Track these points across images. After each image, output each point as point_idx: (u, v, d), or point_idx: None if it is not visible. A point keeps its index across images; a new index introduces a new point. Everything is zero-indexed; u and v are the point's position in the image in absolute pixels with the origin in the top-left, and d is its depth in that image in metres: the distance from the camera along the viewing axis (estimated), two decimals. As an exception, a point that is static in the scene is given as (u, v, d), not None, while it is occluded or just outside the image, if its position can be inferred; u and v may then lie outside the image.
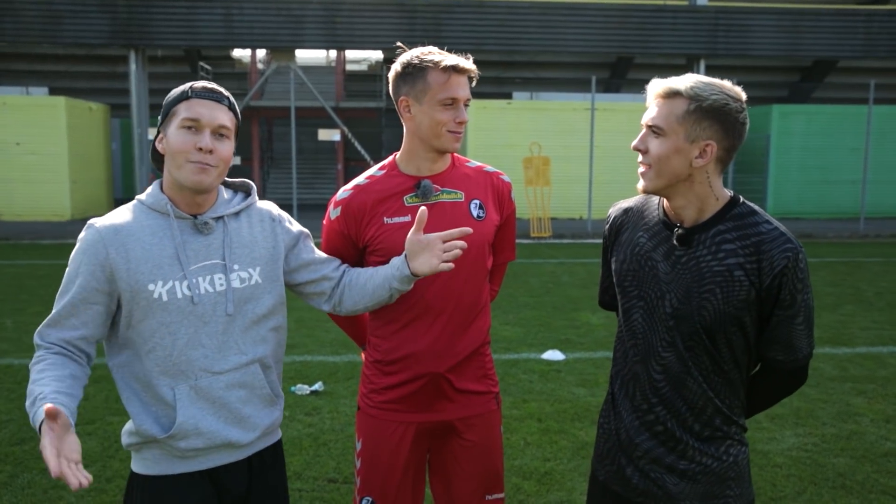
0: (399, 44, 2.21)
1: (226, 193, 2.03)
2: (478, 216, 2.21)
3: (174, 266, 1.86)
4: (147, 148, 18.94)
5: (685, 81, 1.76)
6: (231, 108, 1.92)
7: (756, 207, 1.82)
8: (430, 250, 1.98)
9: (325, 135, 18.29)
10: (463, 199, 2.20)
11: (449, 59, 2.09)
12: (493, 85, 23.57)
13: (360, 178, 2.25)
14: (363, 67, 28.82)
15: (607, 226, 2.06)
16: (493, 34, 18.97)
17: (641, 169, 1.82)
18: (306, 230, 2.17)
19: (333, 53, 27.29)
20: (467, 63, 2.11)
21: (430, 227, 2.13)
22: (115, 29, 18.23)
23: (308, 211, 16.90)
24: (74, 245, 1.94)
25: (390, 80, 2.18)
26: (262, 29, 18.65)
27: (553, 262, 12.34)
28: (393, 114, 24.53)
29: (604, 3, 19.45)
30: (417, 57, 2.11)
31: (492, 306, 2.42)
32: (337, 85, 25.07)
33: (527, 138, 17.34)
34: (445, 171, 2.22)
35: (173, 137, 1.86)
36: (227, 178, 2.04)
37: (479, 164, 2.33)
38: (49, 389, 1.74)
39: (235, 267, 1.94)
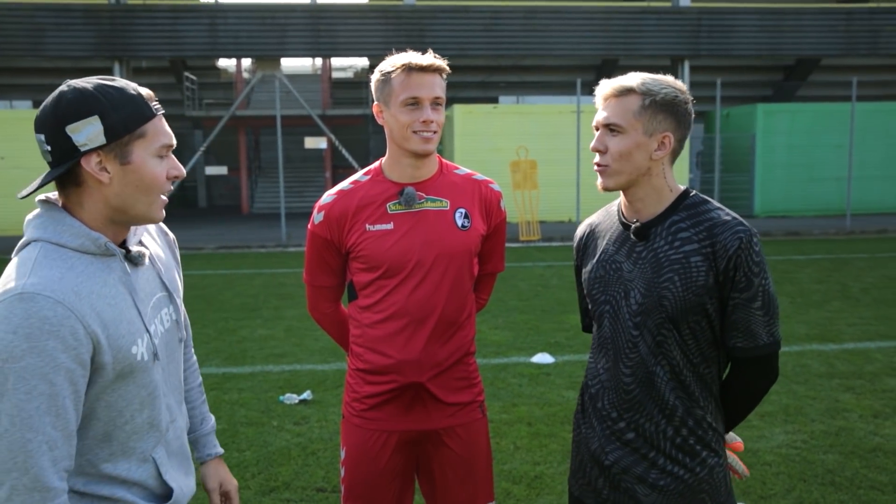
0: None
1: None
2: (462, 226, 2.17)
3: (140, 316, 1.55)
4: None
5: (634, 79, 1.83)
6: None
7: (708, 198, 1.86)
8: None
9: (311, 143, 18.24)
10: (448, 208, 2.17)
11: (408, 58, 2.06)
12: (478, 89, 23.61)
13: (345, 183, 2.23)
14: (349, 75, 28.82)
15: (575, 245, 2.06)
16: (478, 39, 19.02)
17: (600, 168, 1.89)
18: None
19: (319, 61, 27.28)
20: (426, 59, 2.06)
21: (413, 236, 2.12)
22: (98, 41, 18.17)
23: (296, 219, 16.87)
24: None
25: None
26: (247, 38, 18.63)
27: (542, 265, 12.36)
28: (380, 120, 24.55)
29: (587, 6, 19.54)
30: (387, 62, 2.10)
31: (481, 310, 2.41)
32: (323, 93, 25.05)
33: (513, 142, 17.37)
34: (431, 179, 2.18)
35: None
36: None
37: (468, 171, 2.29)
38: None
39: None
